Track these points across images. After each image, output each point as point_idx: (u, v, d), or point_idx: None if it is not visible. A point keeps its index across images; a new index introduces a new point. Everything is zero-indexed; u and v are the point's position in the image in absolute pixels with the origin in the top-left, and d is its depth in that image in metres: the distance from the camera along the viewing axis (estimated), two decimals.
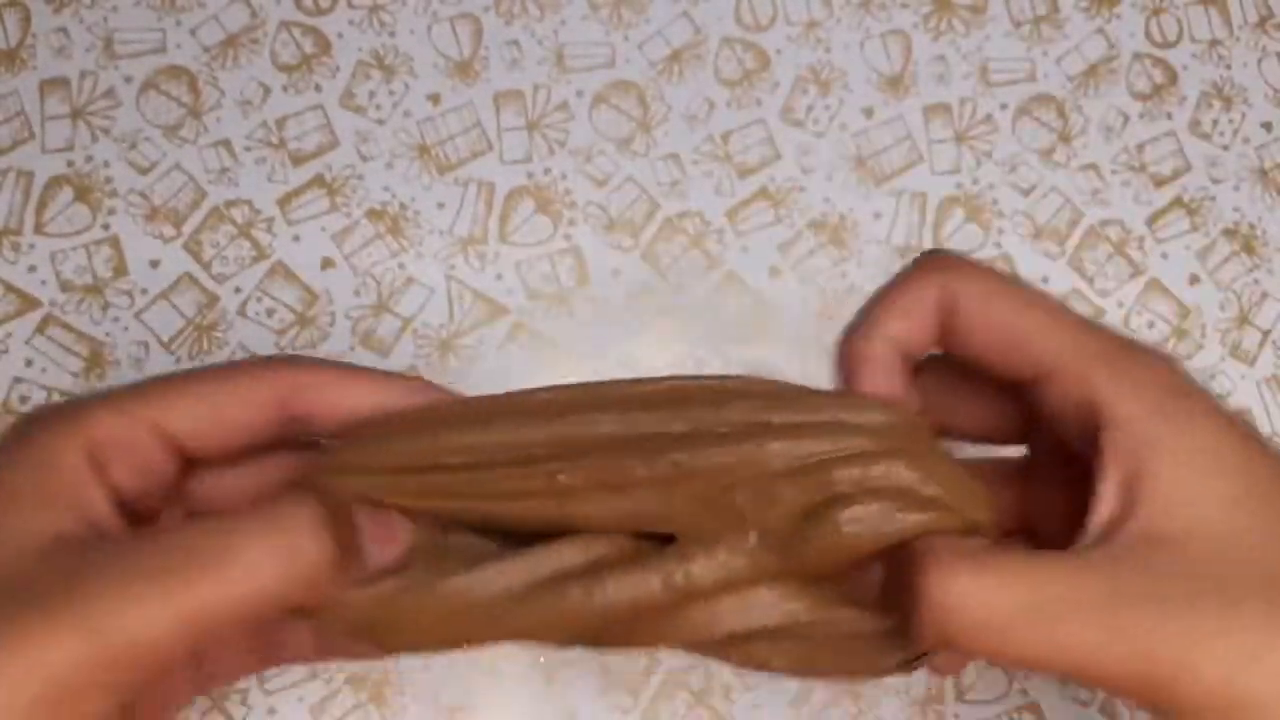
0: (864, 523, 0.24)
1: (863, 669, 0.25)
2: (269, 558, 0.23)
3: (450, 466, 0.25)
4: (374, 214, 0.41)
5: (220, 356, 0.39)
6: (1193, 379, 0.25)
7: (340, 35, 0.42)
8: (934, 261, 0.26)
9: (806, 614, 0.25)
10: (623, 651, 0.27)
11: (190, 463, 0.26)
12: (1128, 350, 0.25)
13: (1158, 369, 0.25)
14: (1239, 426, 0.24)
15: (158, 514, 0.26)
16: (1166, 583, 0.23)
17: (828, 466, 0.24)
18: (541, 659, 0.38)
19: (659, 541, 0.25)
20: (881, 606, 0.25)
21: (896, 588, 0.24)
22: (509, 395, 0.26)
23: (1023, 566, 0.23)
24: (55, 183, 0.40)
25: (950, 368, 0.27)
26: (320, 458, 0.26)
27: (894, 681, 0.38)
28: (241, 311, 0.40)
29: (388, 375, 0.26)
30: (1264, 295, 0.42)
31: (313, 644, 0.28)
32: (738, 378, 0.26)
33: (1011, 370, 0.25)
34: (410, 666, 0.38)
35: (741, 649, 0.25)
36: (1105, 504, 0.24)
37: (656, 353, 0.41)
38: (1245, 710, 0.22)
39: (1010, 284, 0.26)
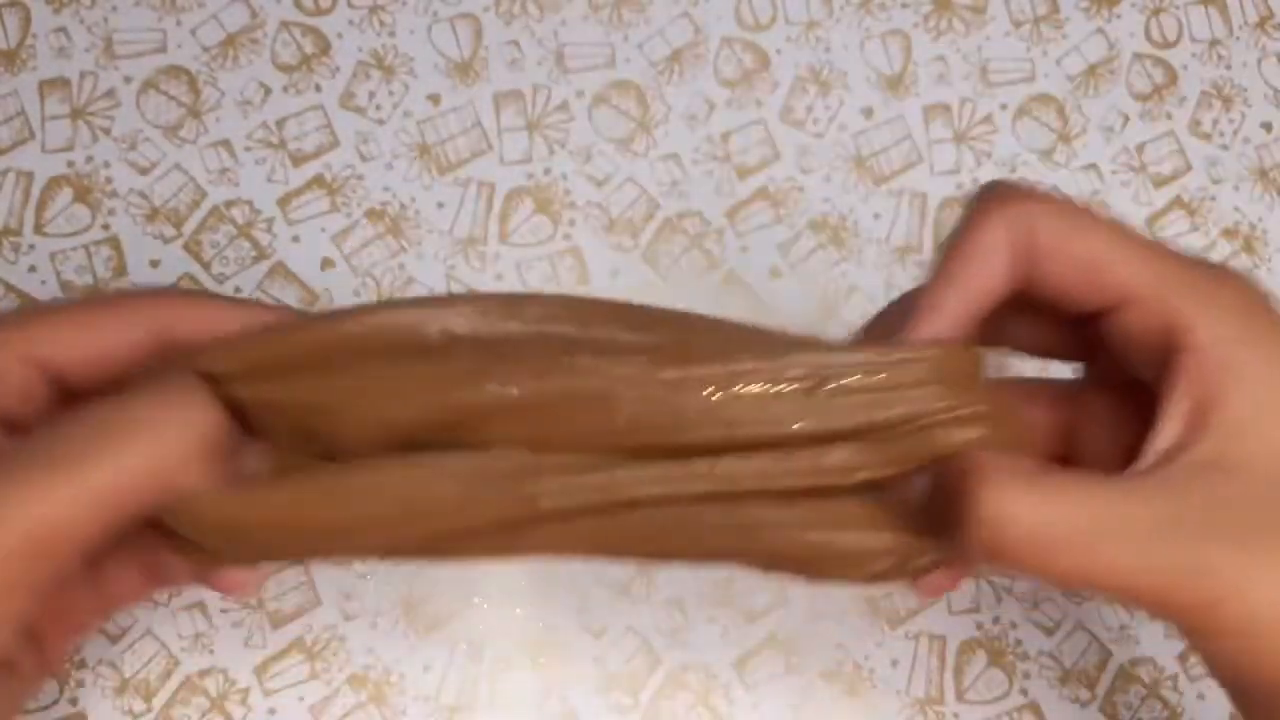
0: (905, 442, 0.24)
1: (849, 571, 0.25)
2: (170, 424, 0.23)
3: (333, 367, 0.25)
4: (374, 214, 0.41)
5: None
6: (1271, 302, 0.25)
7: (340, 35, 0.42)
8: (1000, 198, 0.25)
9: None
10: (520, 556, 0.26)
11: (70, 391, 0.26)
12: (1209, 274, 0.24)
13: (1239, 291, 0.24)
14: None
15: None
16: (1224, 509, 0.23)
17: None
18: (542, 659, 0.38)
19: None
20: (924, 522, 0.25)
21: (941, 503, 0.24)
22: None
23: (1076, 486, 0.23)
24: (55, 183, 0.40)
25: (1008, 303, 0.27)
26: (192, 354, 0.26)
27: (894, 681, 0.38)
28: None
29: (257, 302, 0.28)
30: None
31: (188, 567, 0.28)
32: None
33: (1086, 300, 0.25)
34: (411, 667, 0.38)
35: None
36: (1169, 429, 0.24)
37: None
38: None
39: (1083, 211, 0.25)
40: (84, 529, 0.22)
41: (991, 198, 0.25)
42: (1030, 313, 0.27)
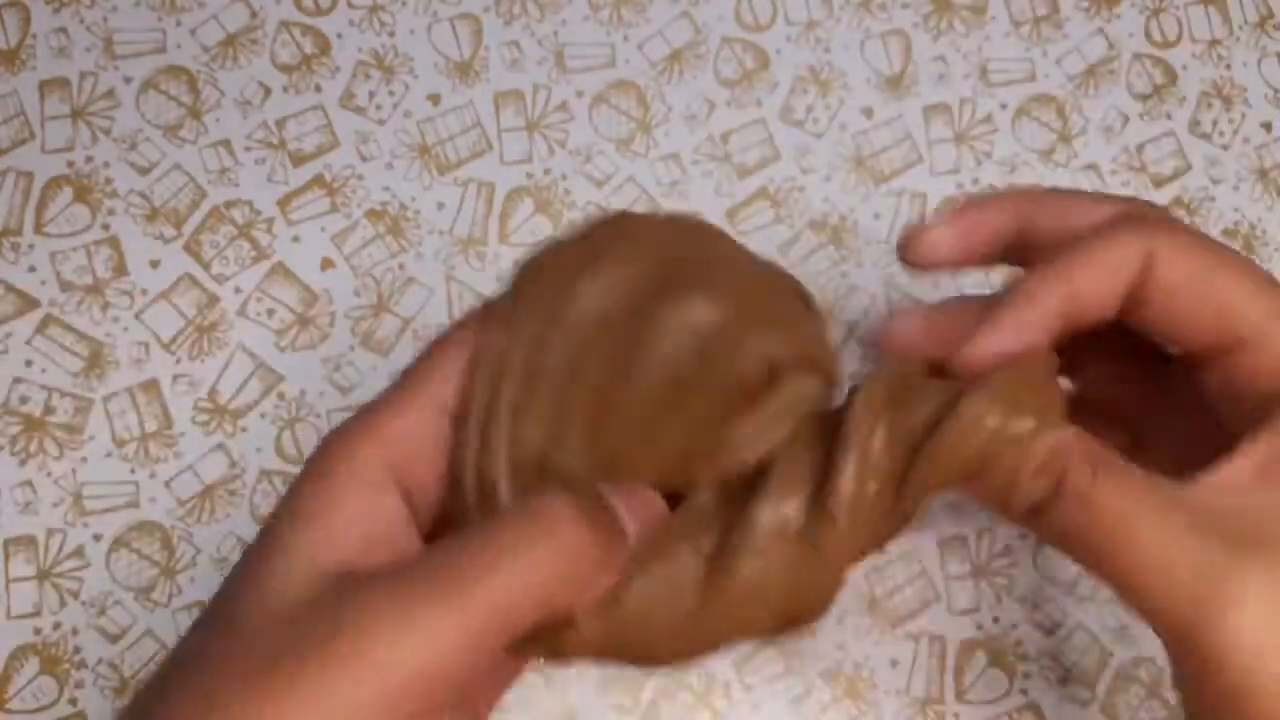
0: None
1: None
2: (540, 559, 0.21)
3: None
4: (374, 214, 0.41)
5: (220, 357, 0.39)
6: None
7: (340, 35, 0.42)
8: (1139, 221, 0.24)
9: None
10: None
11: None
12: None
13: None
14: None
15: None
16: (1255, 532, 0.23)
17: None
18: (541, 659, 0.38)
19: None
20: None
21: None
22: None
23: (1148, 480, 0.23)
24: (55, 183, 0.40)
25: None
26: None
27: (894, 681, 0.38)
28: (241, 311, 0.40)
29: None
30: None
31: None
32: None
33: (1194, 339, 0.24)
34: None
35: None
36: (1238, 464, 0.24)
37: None
38: None
39: (1210, 246, 0.24)
40: (450, 672, 0.21)
41: (1130, 219, 0.24)
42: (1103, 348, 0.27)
